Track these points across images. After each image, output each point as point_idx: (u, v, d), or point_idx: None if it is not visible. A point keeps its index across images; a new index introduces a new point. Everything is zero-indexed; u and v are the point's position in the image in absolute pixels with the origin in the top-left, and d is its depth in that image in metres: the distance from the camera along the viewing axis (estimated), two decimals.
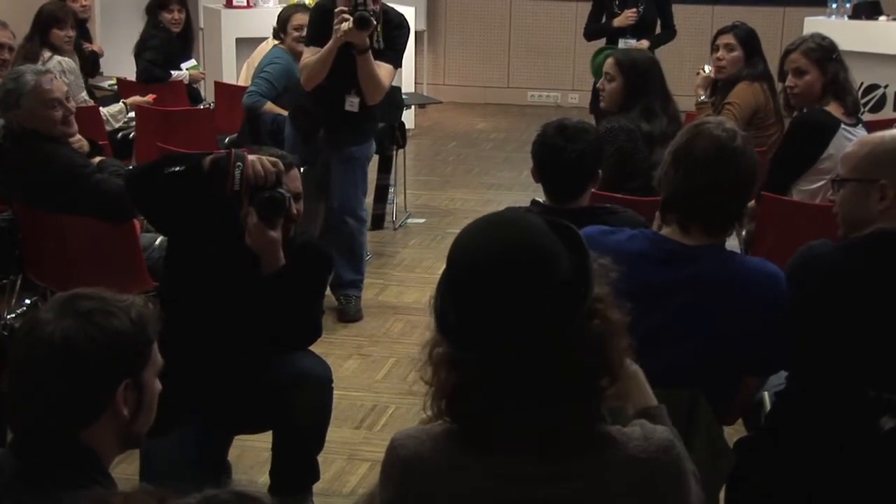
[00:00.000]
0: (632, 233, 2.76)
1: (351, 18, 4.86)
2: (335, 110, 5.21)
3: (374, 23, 4.92)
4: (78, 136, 4.58)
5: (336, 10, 4.95)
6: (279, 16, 6.50)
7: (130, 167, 4.75)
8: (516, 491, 1.80)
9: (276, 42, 6.47)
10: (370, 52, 5.01)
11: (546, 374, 1.78)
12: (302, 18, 6.30)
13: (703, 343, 2.61)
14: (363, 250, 5.57)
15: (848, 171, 2.78)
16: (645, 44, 7.20)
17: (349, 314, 5.41)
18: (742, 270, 2.65)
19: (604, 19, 7.55)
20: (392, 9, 5.29)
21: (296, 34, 6.28)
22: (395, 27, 5.20)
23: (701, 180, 2.63)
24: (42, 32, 6.34)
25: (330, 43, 5.00)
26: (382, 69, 5.13)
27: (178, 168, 3.14)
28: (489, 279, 1.76)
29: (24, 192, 4.39)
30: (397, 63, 5.28)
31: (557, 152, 3.48)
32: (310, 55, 5.17)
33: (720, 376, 2.65)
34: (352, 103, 5.21)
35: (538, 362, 1.77)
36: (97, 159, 4.59)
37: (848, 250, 2.69)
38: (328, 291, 5.34)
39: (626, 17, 7.35)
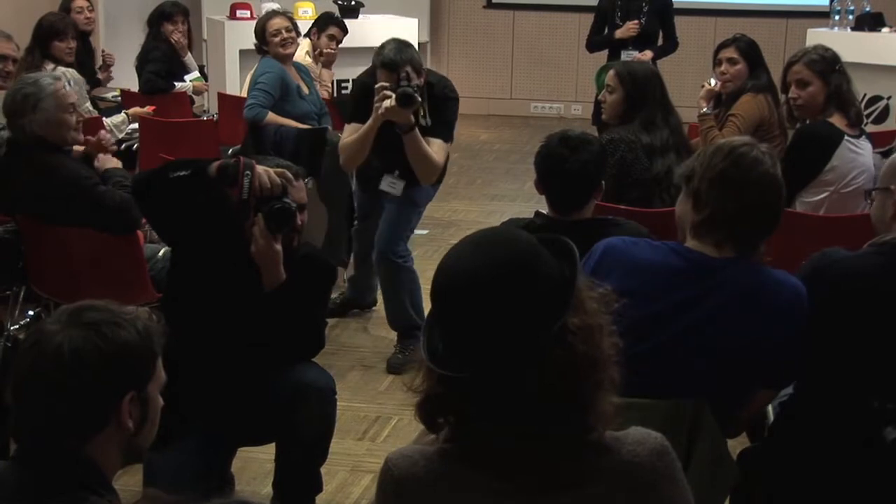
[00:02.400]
0: (654, 243, 2.75)
1: (393, 95, 4.46)
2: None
3: (419, 99, 4.52)
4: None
5: (377, 86, 4.54)
6: (255, 31, 6.45)
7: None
8: None
9: (262, 55, 6.46)
10: (417, 129, 4.60)
11: (526, 397, 1.77)
12: (277, 23, 6.29)
13: (724, 353, 2.60)
14: (399, 291, 5.07)
15: (879, 181, 2.90)
16: (648, 55, 7.21)
17: (391, 366, 5.02)
18: (767, 282, 2.64)
19: (606, 31, 7.57)
20: (439, 78, 4.92)
21: (276, 39, 6.26)
22: (442, 98, 4.81)
23: (751, 201, 2.65)
24: (42, 44, 6.35)
25: (370, 121, 4.59)
26: (434, 146, 4.70)
27: (183, 173, 3.14)
28: (468, 300, 1.75)
29: (28, 203, 4.39)
30: (449, 137, 4.83)
31: (560, 162, 3.48)
32: (349, 134, 4.79)
33: (734, 388, 2.64)
34: (392, 184, 4.86)
35: (518, 385, 1.76)
36: (104, 166, 4.59)
37: (861, 258, 2.71)
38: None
39: (628, 28, 7.37)
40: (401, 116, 4.51)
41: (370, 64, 4.83)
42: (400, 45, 4.65)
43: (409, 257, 5.09)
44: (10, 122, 4.40)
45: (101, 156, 4.70)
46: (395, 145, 4.61)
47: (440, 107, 4.79)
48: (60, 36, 6.40)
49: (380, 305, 5.61)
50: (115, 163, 4.69)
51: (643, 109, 4.52)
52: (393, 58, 4.53)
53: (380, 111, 4.48)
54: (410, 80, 4.50)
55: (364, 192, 5.21)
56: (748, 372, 2.63)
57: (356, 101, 4.84)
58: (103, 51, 8.04)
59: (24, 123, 4.32)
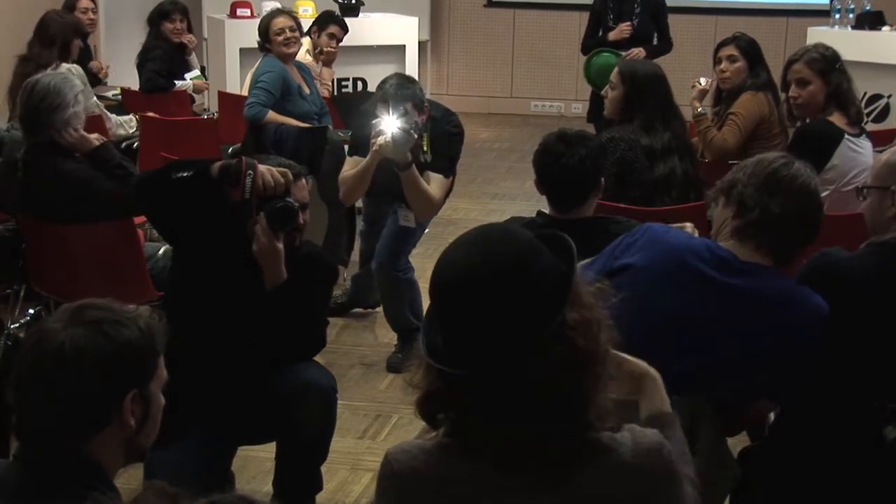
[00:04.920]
0: (691, 235, 2.78)
1: (389, 133, 4.39)
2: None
3: (415, 137, 4.42)
4: None
5: (373, 121, 4.47)
6: (259, 28, 6.45)
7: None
8: (511, 502, 1.81)
9: (265, 53, 6.46)
10: (413, 168, 4.53)
11: (526, 393, 1.78)
12: (281, 22, 6.28)
13: (726, 353, 2.59)
14: (399, 301, 5.05)
15: (871, 179, 2.88)
16: (642, 52, 7.19)
17: (391, 365, 5.06)
18: (789, 296, 2.62)
19: (601, 33, 7.55)
20: (443, 113, 4.83)
21: (280, 38, 6.25)
22: (444, 134, 4.75)
23: (795, 209, 2.66)
24: (63, 45, 6.39)
25: (367, 159, 4.54)
26: (433, 182, 4.66)
27: (185, 173, 3.14)
28: (466, 296, 1.77)
29: (34, 205, 4.37)
30: (449, 172, 4.79)
31: (557, 157, 3.49)
32: (350, 167, 4.74)
33: (733, 391, 2.64)
34: (406, 217, 4.83)
35: (518, 381, 1.77)
36: (97, 142, 4.52)
37: (861, 258, 2.71)
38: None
39: (621, 30, 7.35)
40: (397, 154, 4.43)
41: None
42: (402, 81, 4.61)
43: (410, 269, 5.07)
44: (34, 122, 4.36)
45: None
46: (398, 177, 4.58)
47: (442, 142, 4.74)
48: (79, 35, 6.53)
49: (376, 309, 5.60)
50: (92, 140, 4.53)
51: (642, 110, 4.52)
52: (394, 94, 4.49)
53: (374, 148, 4.44)
54: (408, 116, 4.43)
55: (371, 200, 5.20)
56: (747, 378, 2.62)
57: (359, 135, 4.78)
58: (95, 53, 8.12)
59: (48, 124, 4.31)
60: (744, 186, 2.71)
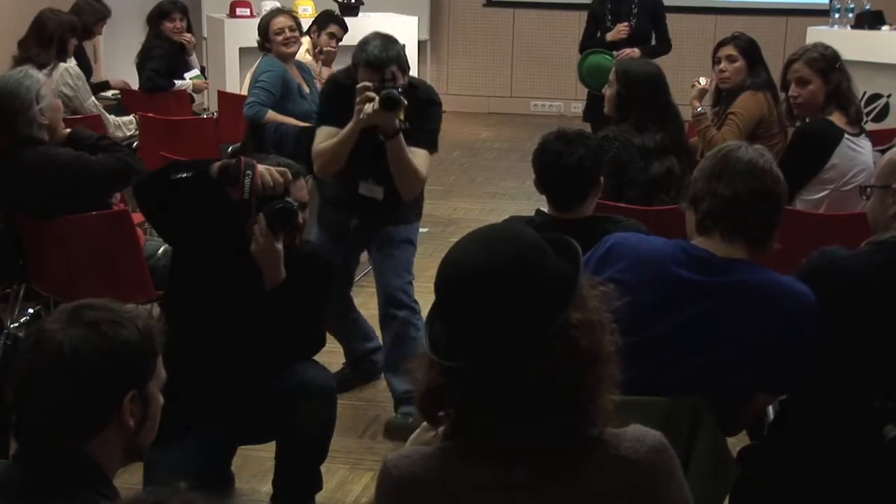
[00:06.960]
0: (665, 239, 2.77)
1: (376, 97, 3.99)
2: (356, 200, 4.35)
3: (405, 102, 4.02)
4: None
5: (358, 85, 4.06)
6: (259, 27, 6.45)
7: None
8: (511, 501, 1.81)
9: (265, 53, 6.46)
10: (401, 135, 4.10)
11: (528, 391, 1.79)
12: (281, 22, 6.29)
13: (721, 353, 2.59)
14: (414, 347, 4.30)
15: (874, 178, 2.92)
16: (635, 52, 7.19)
17: (397, 426, 4.34)
18: (772, 287, 2.62)
19: (598, 35, 7.55)
20: (421, 82, 4.54)
21: (279, 38, 6.25)
22: (426, 104, 4.31)
23: (745, 187, 2.65)
24: (62, 43, 6.40)
25: (350, 125, 4.09)
26: (418, 157, 4.19)
27: (184, 174, 3.14)
28: (472, 293, 1.77)
29: (34, 201, 4.36)
30: (433, 147, 4.31)
31: (556, 156, 3.50)
32: (323, 139, 4.26)
33: (731, 389, 2.64)
34: (368, 188, 4.32)
35: (520, 379, 1.78)
36: (67, 130, 4.53)
37: (861, 256, 2.71)
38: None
39: (619, 31, 7.34)
40: (385, 120, 4.04)
41: None
42: (385, 41, 4.17)
43: (417, 305, 4.57)
44: (10, 120, 4.35)
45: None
46: (369, 152, 4.18)
47: (425, 111, 4.30)
48: (73, 33, 6.54)
49: (376, 309, 5.57)
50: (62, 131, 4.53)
51: (635, 109, 4.52)
52: (378, 55, 4.08)
53: (361, 115, 4.02)
54: (396, 80, 4.08)
55: (338, 244, 4.47)
56: (744, 375, 2.62)
57: (329, 103, 4.39)
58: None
59: (25, 119, 4.29)
60: (696, 181, 2.73)
